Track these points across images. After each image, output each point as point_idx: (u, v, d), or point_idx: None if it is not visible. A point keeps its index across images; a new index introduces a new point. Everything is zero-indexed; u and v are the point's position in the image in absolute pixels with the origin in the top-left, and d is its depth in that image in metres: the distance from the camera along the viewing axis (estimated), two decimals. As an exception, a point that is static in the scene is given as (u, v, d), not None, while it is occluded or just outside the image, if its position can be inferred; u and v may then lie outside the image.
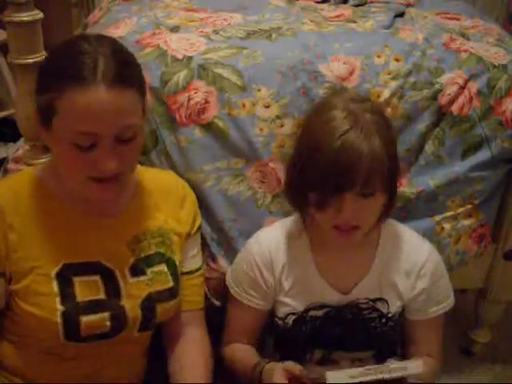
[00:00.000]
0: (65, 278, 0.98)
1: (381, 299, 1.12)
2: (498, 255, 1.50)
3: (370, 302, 1.12)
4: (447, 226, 1.39)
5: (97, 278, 1.00)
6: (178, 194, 1.15)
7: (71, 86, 0.86)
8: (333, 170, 0.95)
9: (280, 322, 1.16)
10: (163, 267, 1.07)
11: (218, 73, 1.30)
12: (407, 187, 1.36)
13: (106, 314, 1.00)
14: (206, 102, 1.29)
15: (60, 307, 0.96)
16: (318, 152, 0.97)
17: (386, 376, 0.94)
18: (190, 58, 1.31)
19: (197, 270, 1.18)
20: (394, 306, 1.13)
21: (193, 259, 1.17)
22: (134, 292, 1.03)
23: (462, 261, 1.43)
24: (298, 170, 1.04)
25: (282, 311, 1.15)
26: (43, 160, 1.19)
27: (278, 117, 1.29)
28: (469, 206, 1.39)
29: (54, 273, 0.97)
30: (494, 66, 1.36)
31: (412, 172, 1.37)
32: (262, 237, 1.17)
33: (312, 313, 1.13)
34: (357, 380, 0.94)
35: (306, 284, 1.12)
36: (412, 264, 1.13)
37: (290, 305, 1.14)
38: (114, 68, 0.88)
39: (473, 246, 1.43)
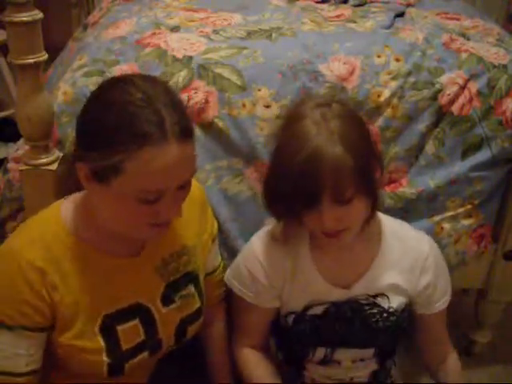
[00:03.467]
0: (109, 330, 0.97)
1: (382, 294, 1.12)
2: (498, 255, 1.50)
3: (371, 298, 1.12)
4: (447, 226, 1.39)
5: (136, 321, 1.00)
6: (199, 199, 1.12)
7: (141, 148, 0.80)
8: (298, 185, 0.94)
9: (282, 321, 1.16)
10: (190, 288, 1.07)
11: (218, 73, 1.30)
12: (407, 187, 1.36)
13: (146, 353, 1.01)
14: (206, 101, 1.29)
15: (106, 359, 0.96)
16: (283, 167, 0.97)
17: None
18: (190, 58, 1.32)
19: (219, 265, 1.21)
20: (396, 301, 1.13)
21: (216, 255, 1.20)
22: (168, 322, 1.04)
23: (462, 261, 1.43)
24: (271, 185, 1.04)
25: (282, 310, 1.15)
26: (43, 160, 1.18)
27: (278, 117, 1.29)
28: (469, 206, 1.39)
29: (97, 327, 0.96)
30: (494, 66, 1.36)
31: (412, 172, 1.37)
32: (263, 234, 1.17)
33: (311, 311, 1.13)
34: None
35: (305, 282, 1.12)
36: (414, 259, 1.13)
37: (289, 303, 1.14)
38: (179, 121, 0.84)
39: (473, 245, 1.43)
